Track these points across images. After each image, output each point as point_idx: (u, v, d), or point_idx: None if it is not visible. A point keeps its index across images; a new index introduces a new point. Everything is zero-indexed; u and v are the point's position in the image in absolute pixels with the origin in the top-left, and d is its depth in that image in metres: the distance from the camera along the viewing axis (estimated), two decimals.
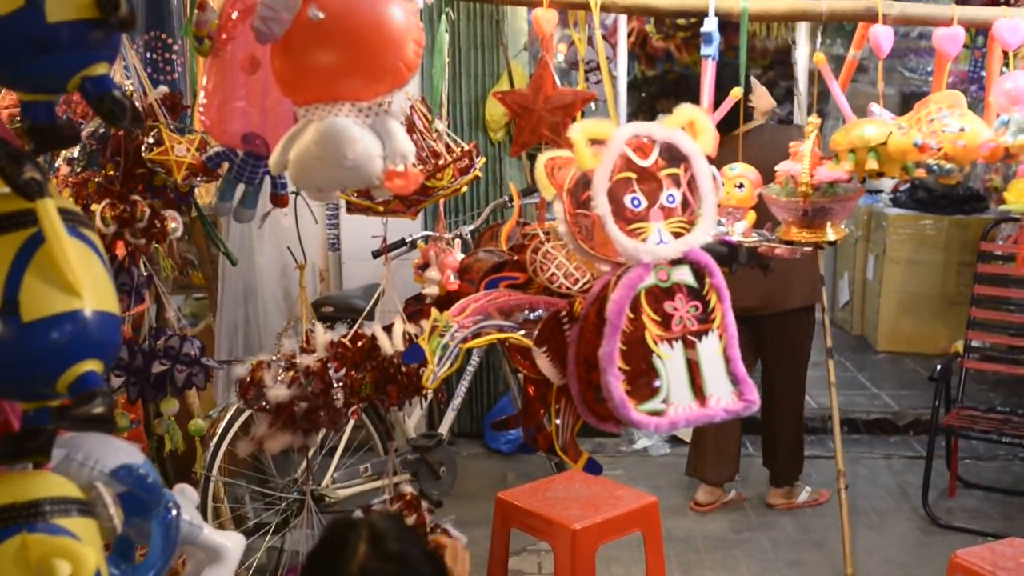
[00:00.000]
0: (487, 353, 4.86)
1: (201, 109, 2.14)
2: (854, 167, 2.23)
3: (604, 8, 2.30)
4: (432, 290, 2.43)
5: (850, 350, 6.50)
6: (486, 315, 2.03)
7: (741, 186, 2.34)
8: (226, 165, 2.21)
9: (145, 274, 2.48)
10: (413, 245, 3.99)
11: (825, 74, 2.37)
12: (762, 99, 4.42)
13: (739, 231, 2.33)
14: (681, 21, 7.38)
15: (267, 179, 2.27)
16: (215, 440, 3.48)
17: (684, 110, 1.99)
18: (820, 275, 4.23)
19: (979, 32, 2.48)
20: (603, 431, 2.08)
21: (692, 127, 1.97)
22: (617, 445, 5.17)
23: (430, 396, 3.01)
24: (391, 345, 2.54)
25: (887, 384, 5.87)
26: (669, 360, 1.79)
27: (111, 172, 2.35)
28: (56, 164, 2.50)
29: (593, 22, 2.34)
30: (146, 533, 1.41)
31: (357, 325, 2.65)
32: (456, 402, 4.40)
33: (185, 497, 1.57)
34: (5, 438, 1.28)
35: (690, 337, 1.83)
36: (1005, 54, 2.30)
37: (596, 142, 1.88)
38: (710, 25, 2.30)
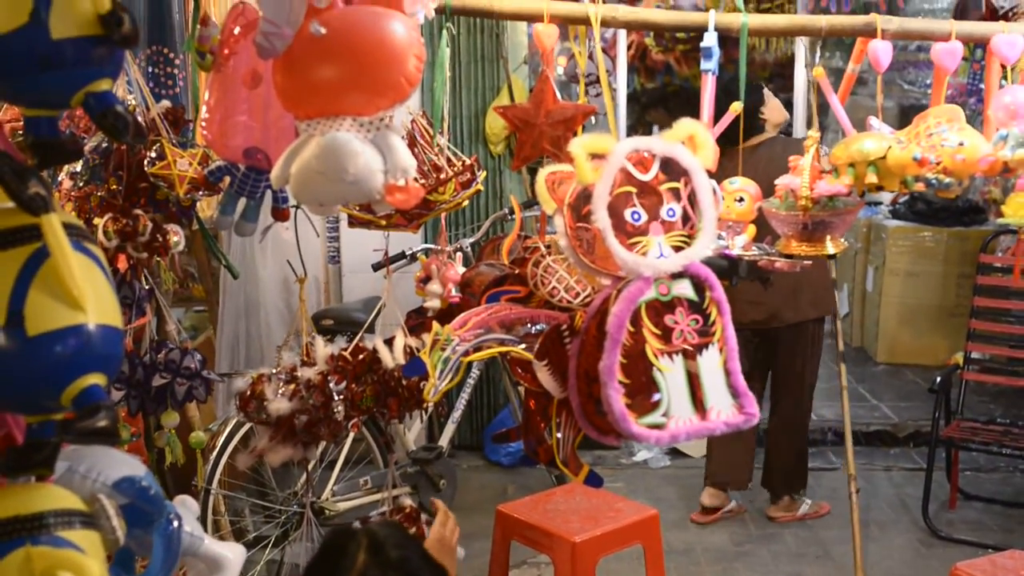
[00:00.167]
0: (487, 366, 4.86)
1: (203, 123, 2.15)
2: (853, 181, 2.23)
3: (604, 23, 2.31)
4: (434, 303, 2.43)
5: (850, 362, 6.45)
6: (487, 328, 2.03)
7: (741, 200, 2.35)
8: (228, 179, 2.22)
9: (147, 287, 2.48)
10: (414, 258, 4.00)
11: (824, 88, 2.38)
12: (775, 111, 4.44)
13: (739, 245, 2.33)
14: (680, 34, 7.40)
15: (268, 193, 2.28)
16: (215, 453, 3.48)
17: (684, 124, 2.00)
18: (832, 284, 4.25)
19: (978, 45, 2.48)
20: (603, 443, 2.08)
21: (692, 141, 1.98)
22: (617, 457, 5.18)
23: (430, 409, 3.01)
24: (392, 358, 2.55)
25: (887, 396, 5.87)
26: (669, 373, 1.79)
27: (114, 186, 2.36)
28: (59, 178, 2.51)
29: (593, 36, 2.35)
30: (147, 545, 1.42)
31: (358, 338, 2.65)
32: (456, 415, 4.41)
33: (186, 508, 1.57)
34: (9, 451, 1.28)
35: (690, 350, 1.83)
36: (1003, 68, 2.31)
37: (597, 156, 1.89)
38: (710, 40, 2.31)
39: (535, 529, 3.16)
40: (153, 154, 2.33)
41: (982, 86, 5.00)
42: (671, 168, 1.93)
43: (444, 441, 4.32)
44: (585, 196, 1.90)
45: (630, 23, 2.45)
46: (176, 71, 3.47)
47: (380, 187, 1.71)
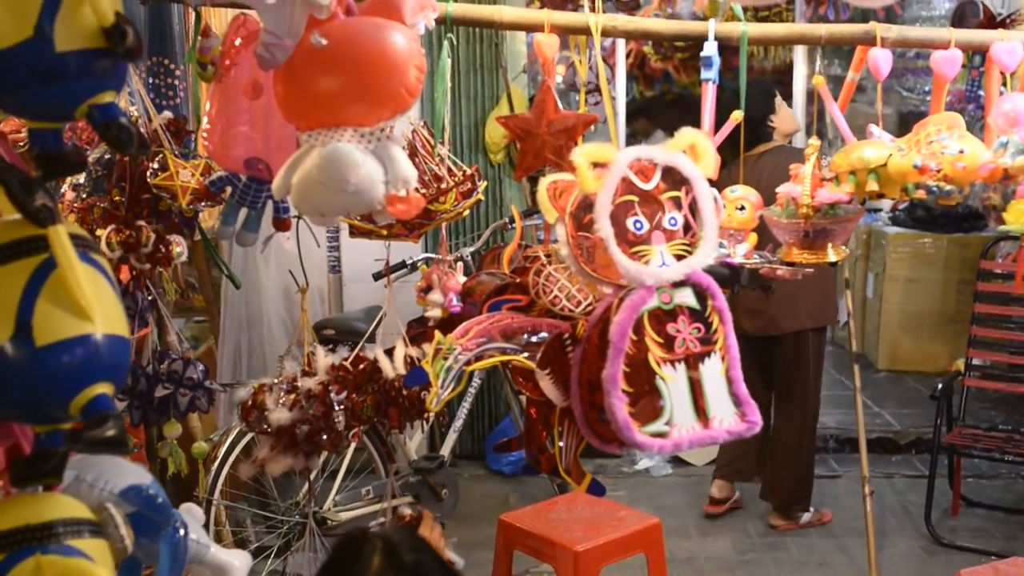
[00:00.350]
0: (488, 375, 4.86)
1: (205, 134, 2.16)
2: (855, 189, 2.24)
3: (604, 33, 2.32)
4: (435, 313, 2.44)
5: (851, 369, 6.49)
6: (489, 337, 2.03)
7: (742, 208, 2.35)
8: (229, 190, 2.23)
9: (149, 298, 2.48)
10: (414, 267, 4.00)
11: (824, 96, 2.38)
12: (785, 120, 4.46)
13: (741, 253, 2.33)
14: (679, 43, 7.42)
15: (269, 203, 2.28)
16: (217, 463, 3.48)
17: (685, 133, 2.00)
18: (833, 294, 4.26)
19: (976, 52, 2.49)
20: (605, 452, 2.08)
21: (693, 150, 1.98)
22: (619, 466, 5.17)
23: (431, 419, 3.01)
24: (392, 368, 2.55)
25: (888, 402, 5.86)
26: (672, 382, 1.79)
27: (116, 197, 2.36)
28: (61, 190, 2.51)
29: (593, 45, 2.36)
30: (154, 553, 1.42)
31: (359, 348, 2.65)
32: (458, 424, 4.40)
33: (192, 516, 1.58)
34: (18, 461, 1.29)
35: (693, 359, 1.83)
36: (1003, 75, 2.32)
37: (598, 165, 1.90)
38: (710, 49, 2.31)
39: (538, 538, 3.16)
40: (155, 165, 2.34)
41: (980, 93, 5.02)
42: (672, 177, 1.93)
43: (446, 450, 4.32)
44: (586, 205, 1.91)
45: (630, 33, 2.46)
46: (177, 82, 3.47)
47: (381, 197, 1.71)
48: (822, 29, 2.38)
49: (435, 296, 2.43)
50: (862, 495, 3.96)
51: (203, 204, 2.37)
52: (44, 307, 1.23)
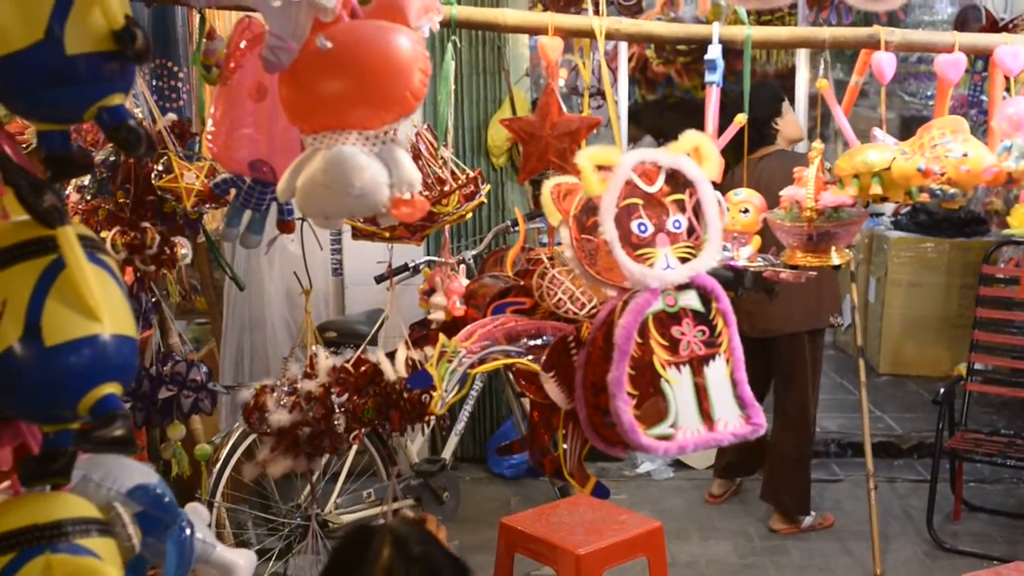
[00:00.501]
0: (490, 378, 4.86)
1: (209, 137, 2.16)
2: (858, 192, 2.24)
3: (608, 36, 2.32)
4: (438, 316, 2.44)
5: (852, 372, 6.44)
6: (493, 340, 2.03)
7: (746, 211, 2.35)
8: (233, 192, 2.23)
9: (153, 300, 2.49)
10: (416, 270, 4.00)
11: (829, 100, 2.38)
12: (790, 126, 4.47)
13: (744, 256, 2.33)
14: (682, 47, 7.42)
15: (273, 205, 2.28)
16: (218, 466, 3.48)
17: (689, 136, 2.00)
18: (837, 293, 4.26)
19: (979, 56, 2.49)
20: (607, 455, 2.08)
21: (697, 153, 1.99)
22: (620, 469, 5.16)
23: (433, 421, 3.01)
24: (393, 371, 2.55)
25: (890, 407, 5.86)
26: (677, 384, 1.80)
27: (121, 199, 2.37)
28: (66, 192, 2.52)
29: (597, 48, 2.36)
30: (160, 552, 1.43)
31: (360, 350, 2.65)
32: (459, 427, 4.40)
33: (197, 516, 1.58)
34: (27, 460, 1.30)
35: (697, 361, 1.83)
36: (1007, 79, 2.32)
37: (603, 168, 1.90)
38: (714, 52, 2.31)
39: (539, 541, 3.16)
40: (160, 167, 2.34)
41: (983, 97, 5.02)
42: (676, 180, 1.94)
43: (447, 453, 4.32)
44: (590, 208, 1.91)
45: (634, 36, 2.46)
46: (180, 84, 3.47)
47: (386, 200, 1.72)
48: (826, 33, 2.38)
49: (438, 299, 2.43)
50: (867, 489, 4.02)
51: (207, 206, 2.38)
52: (53, 307, 1.24)
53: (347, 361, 2.61)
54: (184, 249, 2.44)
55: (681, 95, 8.01)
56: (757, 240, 2.37)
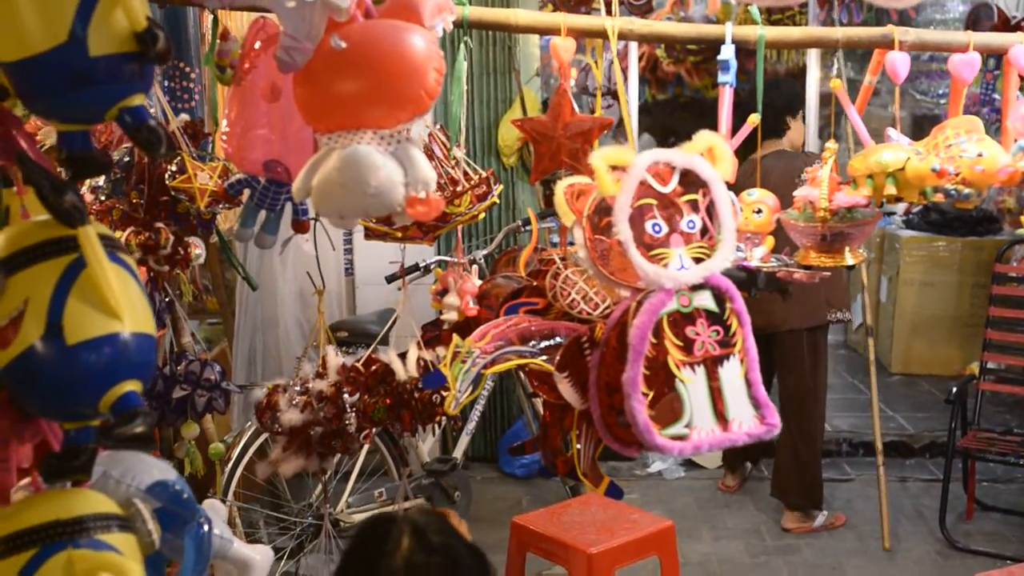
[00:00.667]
0: (501, 378, 4.86)
1: (224, 137, 2.17)
2: (872, 192, 2.23)
3: (621, 36, 2.31)
4: (451, 316, 2.44)
5: (863, 372, 6.46)
6: (507, 341, 2.03)
7: (760, 211, 2.34)
8: (247, 192, 2.23)
9: (166, 300, 2.50)
10: (427, 270, 4.00)
11: (842, 100, 2.38)
12: (797, 131, 4.49)
13: (757, 256, 2.33)
14: (692, 46, 7.41)
15: (288, 205, 2.29)
16: (230, 465, 3.49)
17: (703, 136, 2.00)
18: (845, 290, 4.27)
19: (992, 55, 2.49)
20: (618, 455, 2.09)
21: (711, 153, 1.98)
22: (631, 469, 5.16)
23: (444, 421, 3.01)
24: (405, 370, 2.55)
25: (902, 406, 5.85)
26: (692, 384, 1.79)
27: (135, 200, 2.38)
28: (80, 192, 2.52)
29: (610, 49, 2.36)
30: (178, 548, 1.44)
31: (371, 349, 2.66)
32: (470, 426, 4.40)
33: (215, 512, 1.59)
34: (49, 457, 1.31)
35: (712, 362, 1.83)
36: (1022, 78, 2.31)
37: (616, 168, 1.90)
38: (727, 53, 2.31)
39: (551, 541, 3.16)
40: (174, 167, 2.35)
41: (996, 96, 5.01)
42: (690, 180, 1.93)
43: (458, 453, 4.32)
44: (603, 208, 1.91)
45: (646, 36, 2.45)
46: (192, 85, 3.48)
47: (401, 200, 1.72)
48: (839, 32, 2.38)
49: (451, 299, 2.43)
50: (876, 465, 4.13)
51: (221, 206, 2.38)
52: (74, 306, 1.25)
53: (358, 360, 2.61)
54: (198, 249, 2.45)
55: (691, 94, 8.01)
56: (771, 240, 2.36)
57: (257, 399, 2.53)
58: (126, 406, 1.25)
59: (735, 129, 2.34)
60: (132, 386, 1.27)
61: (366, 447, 3.62)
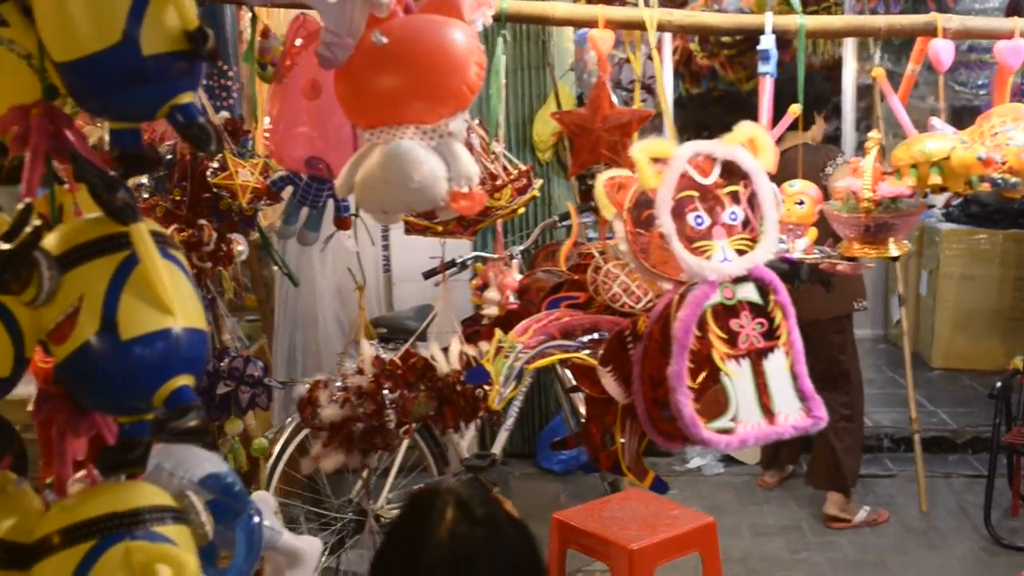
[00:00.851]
0: (538, 373, 4.84)
1: (267, 135, 2.18)
2: (917, 182, 2.21)
3: (660, 27, 2.30)
4: (491, 311, 2.44)
5: (904, 367, 6.41)
6: (549, 335, 2.03)
7: (802, 203, 2.33)
8: (290, 189, 2.25)
9: (209, 297, 2.52)
10: (464, 266, 4.00)
11: (885, 89, 2.36)
12: (819, 127, 4.45)
13: (800, 248, 2.31)
14: (726, 39, 7.36)
15: (330, 202, 2.30)
16: (271, 461, 3.52)
17: (744, 127, 1.99)
18: (861, 279, 4.24)
19: None
20: (657, 450, 2.08)
21: (752, 144, 1.97)
22: (670, 464, 5.13)
23: (484, 416, 3.01)
24: (447, 364, 2.55)
25: (944, 402, 5.77)
26: (737, 378, 1.78)
27: (178, 197, 2.40)
28: None
29: (647, 41, 2.34)
30: (230, 540, 1.46)
31: (409, 344, 2.66)
32: (509, 422, 4.39)
33: (265, 504, 1.61)
34: (105, 451, 1.33)
35: (756, 354, 1.82)
36: None
37: (657, 160, 1.89)
38: (767, 43, 2.29)
39: (592, 537, 3.15)
40: (215, 164, 2.36)
41: None
42: (731, 171, 1.92)
43: (497, 448, 4.32)
44: (644, 201, 1.90)
45: (685, 27, 2.44)
46: (230, 83, 3.51)
47: (445, 194, 1.72)
48: (881, 21, 2.35)
49: (492, 294, 2.43)
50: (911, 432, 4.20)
51: (262, 203, 2.40)
52: (128, 302, 1.26)
53: (396, 355, 2.62)
54: (240, 246, 2.47)
55: (725, 88, 7.96)
56: (813, 232, 2.34)
57: (300, 395, 2.54)
58: (179, 400, 1.26)
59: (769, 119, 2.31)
60: (185, 380, 1.28)
61: (405, 443, 3.63)
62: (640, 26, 2.30)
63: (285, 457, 3.56)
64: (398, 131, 1.73)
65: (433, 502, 1.54)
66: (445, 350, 2.56)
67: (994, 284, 6.17)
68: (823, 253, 2.36)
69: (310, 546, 1.69)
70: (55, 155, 1.35)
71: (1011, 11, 5.32)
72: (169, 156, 2.43)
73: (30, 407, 1.79)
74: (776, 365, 1.83)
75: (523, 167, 2.41)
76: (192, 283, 1.35)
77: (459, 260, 4.01)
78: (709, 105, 8.02)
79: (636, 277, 2.16)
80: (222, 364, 2.50)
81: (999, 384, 4.33)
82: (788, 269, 2.24)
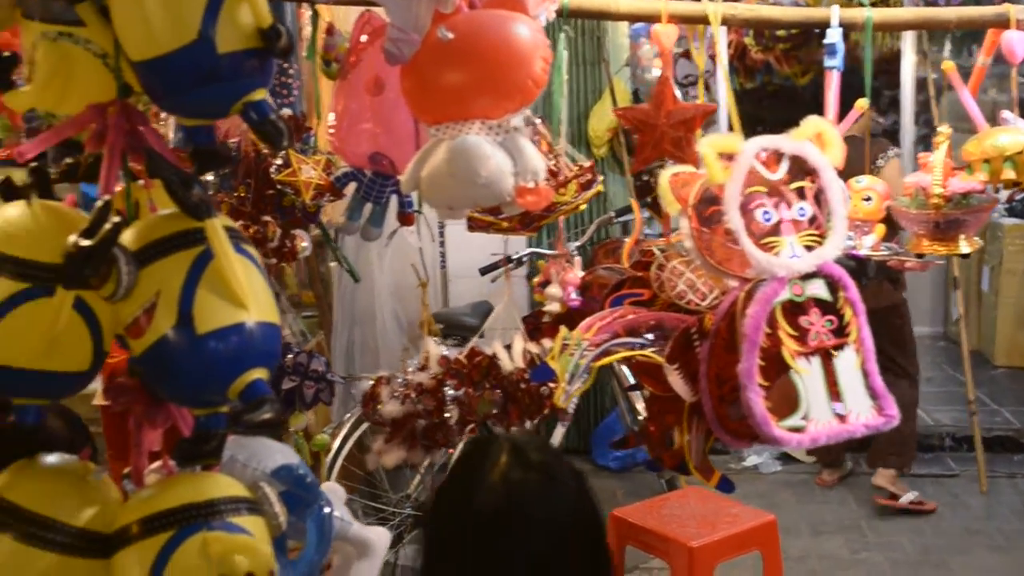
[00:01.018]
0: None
1: (331, 131, 2.19)
2: (989, 177, 2.16)
3: (724, 21, 2.27)
4: (553, 307, 2.44)
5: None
6: (613, 333, 2.02)
7: (869, 199, 2.29)
8: (353, 185, 2.26)
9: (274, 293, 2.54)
10: (520, 262, 4.00)
11: (955, 82, 2.31)
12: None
13: (867, 245, 2.27)
14: (781, 33, 7.25)
15: (393, 198, 2.31)
16: (331, 456, 3.54)
17: (811, 122, 1.96)
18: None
19: None
20: (715, 448, 2.06)
21: (820, 139, 1.94)
22: (727, 463, 5.09)
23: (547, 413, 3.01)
24: (511, 362, 2.55)
25: (1007, 400, 5.65)
26: (807, 375, 1.75)
27: (242, 194, 2.42)
28: None
29: (709, 35, 2.32)
30: (301, 530, 1.48)
31: (471, 343, 2.66)
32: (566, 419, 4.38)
33: (335, 495, 1.63)
34: (182, 442, 1.36)
35: (826, 352, 1.79)
36: None
37: (724, 156, 1.86)
38: (833, 36, 2.25)
39: (651, 534, 3.13)
40: (279, 161, 2.39)
41: None
42: (798, 167, 1.89)
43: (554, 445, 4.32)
44: (709, 197, 1.88)
45: (750, 21, 2.41)
46: (291, 81, 3.54)
47: (511, 189, 1.72)
48: (951, 13, 2.30)
49: (554, 290, 2.43)
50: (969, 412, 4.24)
51: (325, 199, 2.42)
52: (204, 296, 1.28)
53: (461, 353, 2.62)
54: (304, 242, 2.49)
55: (780, 82, 7.85)
56: (881, 228, 2.30)
57: (364, 390, 2.56)
58: (254, 393, 1.27)
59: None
60: (259, 374, 1.29)
61: (464, 439, 3.63)
62: (704, 20, 2.28)
63: (344, 452, 3.59)
64: (464, 127, 1.73)
65: (488, 447, 1.54)
66: (508, 347, 2.56)
67: None
68: (891, 250, 2.32)
69: (379, 536, 1.71)
70: (131, 152, 1.37)
71: None
72: (233, 153, 2.46)
73: (95, 401, 1.83)
74: (846, 363, 1.80)
75: (586, 163, 2.40)
76: (265, 278, 1.37)
77: (515, 256, 4.01)
78: (764, 99, 7.92)
79: (701, 274, 2.14)
80: (286, 360, 2.53)
81: None
82: (855, 266, 2.20)
